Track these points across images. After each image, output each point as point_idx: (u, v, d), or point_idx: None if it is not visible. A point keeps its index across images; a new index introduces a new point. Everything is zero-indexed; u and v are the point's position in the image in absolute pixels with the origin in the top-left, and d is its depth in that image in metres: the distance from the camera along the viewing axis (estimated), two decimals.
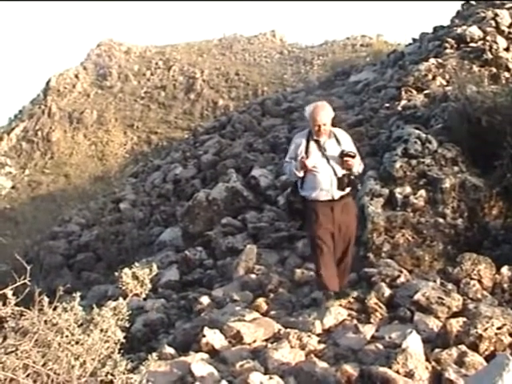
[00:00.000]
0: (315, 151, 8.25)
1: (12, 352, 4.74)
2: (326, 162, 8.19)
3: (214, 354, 7.27)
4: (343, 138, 8.47)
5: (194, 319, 8.91)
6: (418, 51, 21.95)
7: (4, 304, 5.01)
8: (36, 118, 60.42)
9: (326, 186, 8.15)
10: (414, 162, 11.12)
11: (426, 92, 15.65)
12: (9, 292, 4.98)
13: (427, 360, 6.50)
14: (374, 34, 62.35)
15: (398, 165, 11.07)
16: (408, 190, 10.54)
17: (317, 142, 8.30)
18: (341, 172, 8.17)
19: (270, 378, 6.29)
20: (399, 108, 15.01)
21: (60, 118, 59.30)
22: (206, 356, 7.15)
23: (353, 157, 8.11)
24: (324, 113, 8.26)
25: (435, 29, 23.28)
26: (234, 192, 14.34)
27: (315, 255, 8.29)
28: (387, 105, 16.31)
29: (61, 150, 55.72)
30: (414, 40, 25.64)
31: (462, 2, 24.22)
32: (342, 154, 8.11)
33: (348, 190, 8.26)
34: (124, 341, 5.61)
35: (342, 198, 8.26)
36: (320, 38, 68.94)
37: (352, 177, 8.22)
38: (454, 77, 15.70)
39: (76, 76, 65.75)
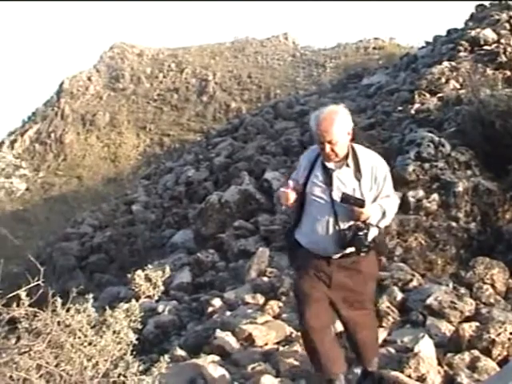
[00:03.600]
0: (319, 182, 5.47)
1: (25, 352, 4.76)
2: (329, 201, 5.37)
3: (225, 356, 7.25)
4: (369, 167, 5.44)
5: (206, 321, 8.89)
6: (432, 54, 21.94)
7: (18, 305, 5.04)
8: (49, 120, 60.77)
9: (319, 237, 5.44)
10: (426, 165, 11.09)
11: (439, 95, 15.60)
12: (22, 293, 5.00)
13: (439, 364, 6.46)
14: (386, 36, 62.66)
15: (410, 168, 11.06)
16: (421, 193, 10.51)
17: (324, 167, 5.46)
18: (347, 222, 5.34)
19: (282, 380, 6.29)
20: (412, 111, 14.96)
21: (73, 120, 59.61)
22: (217, 358, 7.13)
23: (360, 205, 5.20)
24: (331, 123, 5.22)
25: (449, 31, 23.31)
26: (246, 195, 14.34)
27: (301, 329, 5.82)
28: (400, 108, 16.27)
29: (74, 152, 55.99)
30: (428, 43, 25.69)
31: (476, 5, 24.20)
32: (343, 199, 5.21)
33: (350, 250, 5.41)
34: (136, 342, 5.63)
35: (348, 256, 5.48)
36: (333, 41, 69.30)
37: (361, 233, 5.28)
38: (467, 80, 15.65)
39: (89, 78, 66.02)
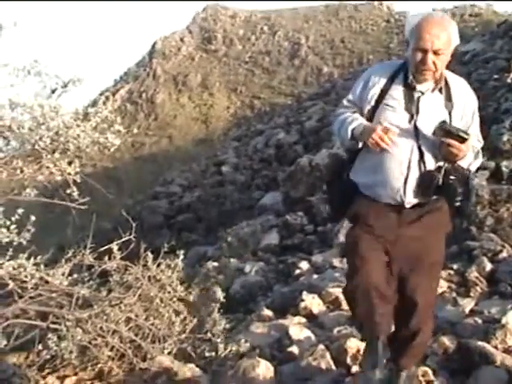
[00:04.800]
0: (398, 107, 4.00)
1: (116, 305, 4.85)
2: (412, 133, 3.95)
3: (311, 318, 7.26)
4: (461, 97, 4.07)
5: (293, 283, 8.91)
6: None
7: (109, 258, 5.13)
8: (141, 80, 61.66)
9: (394, 180, 4.01)
10: None
11: None
12: (115, 247, 5.08)
13: None
14: (483, 3, 61.01)
15: (505, 138, 10.83)
16: None
17: (410, 88, 3.99)
18: (433, 162, 4.01)
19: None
20: (509, 80, 14.62)
21: (164, 81, 60.29)
22: (303, 320, 7.15)
23: (462, 140, 3.75)
24: (444, 29, 3.83)
25: None
26: (337, 159, 14.25)
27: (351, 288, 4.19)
28: (496, 76, 15.90)
29: (165, 112, 56.68)
30: None
31: None
32: (441, 130, 3.80)
33: (434, 198, 4.05)
34: (223, 301, 5.68)
35: (419, 206, 4.09)
36: (428, 7, 67.52)
37: (452, 176, 3.96)
38: None
39: (181, 39, 66.56)
